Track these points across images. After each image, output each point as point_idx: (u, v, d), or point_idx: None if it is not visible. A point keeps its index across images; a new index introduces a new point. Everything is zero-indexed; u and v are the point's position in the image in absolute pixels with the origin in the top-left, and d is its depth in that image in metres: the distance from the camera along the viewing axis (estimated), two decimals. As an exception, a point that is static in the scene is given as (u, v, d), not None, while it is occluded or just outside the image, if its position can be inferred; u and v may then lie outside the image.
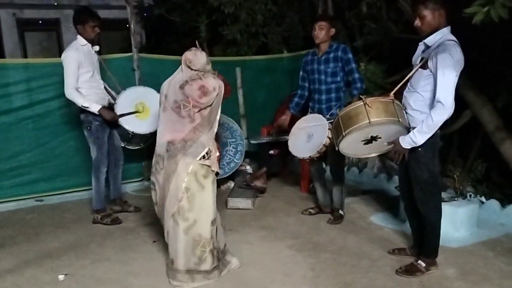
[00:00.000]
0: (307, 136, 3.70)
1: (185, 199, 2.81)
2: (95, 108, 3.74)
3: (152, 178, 3.01)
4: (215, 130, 2.94)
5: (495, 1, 2.57)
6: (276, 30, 6.43)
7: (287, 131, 4.03)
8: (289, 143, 3.82)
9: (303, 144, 3.71)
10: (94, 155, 3.93)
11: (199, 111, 2.83)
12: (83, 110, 3.81)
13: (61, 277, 3.04)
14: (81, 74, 3.74)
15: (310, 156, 3.63)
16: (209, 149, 2.85)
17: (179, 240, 2.85)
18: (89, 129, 3.86)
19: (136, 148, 4.34)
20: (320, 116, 3.72)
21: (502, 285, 2.79)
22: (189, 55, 2.88)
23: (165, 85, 2.97)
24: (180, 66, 2.92)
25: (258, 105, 5.97)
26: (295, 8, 6.57)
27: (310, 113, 3.97)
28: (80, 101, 3.71)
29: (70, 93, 3.70)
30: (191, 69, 2.87)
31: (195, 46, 2.96)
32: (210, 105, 2.85)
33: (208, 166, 2.85)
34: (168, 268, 2.99)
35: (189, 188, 2.80)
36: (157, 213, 3.06)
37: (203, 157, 2.82)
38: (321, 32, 3.75)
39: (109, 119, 3.83)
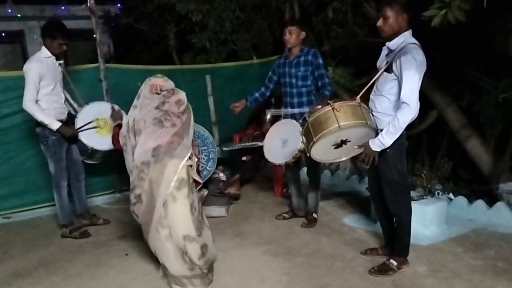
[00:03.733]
0: (282, 142, 3.71)
1: (161, 206, 2.83)
2: (55, 125, 3.66)
3: (138, 191, 2.92)
4: (192, 135, 3.03)
5: (452, 4, 2.65)
6: (245, 36, 6.46)
7: (260, 136, 4.03)
8: (265, 150, 3.83)
9: (279, 150, 3.72)
10: (53, 170, 3.83)
11: (179, 117, 2.95)
12: (40, 124, 3.70)
13: (30, 295, 2.96)
14: (42, 86, 3.65)
15: (286, 162, 3.65)
16: (191, 152, 2.94)
17: (165, 247, 2.89)
18: (46, 143, 3.76)
19: (95, 163, 4.16)
20: (294, 121, 3.74)
21: (471, 280, 2.86)
22: (160, 81, 3.01)
23: (135, 114, 2.98)
24: (140, 94, 3.00)
25: (229, 112, 5.90)
26: (263, 15, 6.62)
27: (284, 118, 3.99)
28: (40, 116, 3.62)
29: (29, 106, 3.60)
30: (158, 94, 2.97)
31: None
32: (185, 111, 3.00)
33: (187, 169, 2.89)
34: (164, 275, 2.99)
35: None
36: (141, 222, 3.00)
37: (189, 158, 2.90)
38: (292, 36, 3.79)
39: (68, 136, 3.77)
